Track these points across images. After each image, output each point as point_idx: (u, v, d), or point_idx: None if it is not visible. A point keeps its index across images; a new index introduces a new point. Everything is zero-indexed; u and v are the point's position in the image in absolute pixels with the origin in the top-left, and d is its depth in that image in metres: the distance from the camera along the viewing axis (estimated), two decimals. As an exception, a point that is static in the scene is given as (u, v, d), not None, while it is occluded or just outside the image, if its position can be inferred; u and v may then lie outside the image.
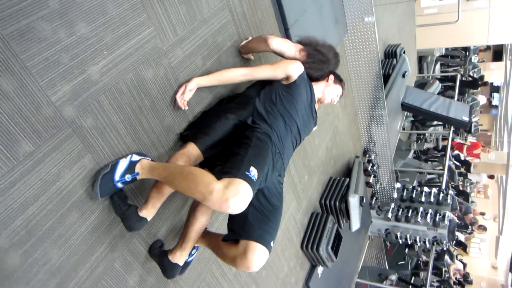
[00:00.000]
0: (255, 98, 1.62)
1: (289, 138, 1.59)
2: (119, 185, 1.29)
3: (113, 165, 1.29)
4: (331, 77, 1.83)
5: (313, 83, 1.78)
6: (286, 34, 2.32)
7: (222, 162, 1.40)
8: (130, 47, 1.36)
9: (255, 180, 1.22)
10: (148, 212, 1.34)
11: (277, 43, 1.75)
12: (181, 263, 1.46)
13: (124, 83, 1.35)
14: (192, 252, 1.59)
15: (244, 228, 1.33)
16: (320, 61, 1.78)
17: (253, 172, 1.23)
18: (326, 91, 1.81)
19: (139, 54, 1.40)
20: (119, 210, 1.30)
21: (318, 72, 1.79)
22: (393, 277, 4.97)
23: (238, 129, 1.54)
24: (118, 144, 1.36)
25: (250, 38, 2.00)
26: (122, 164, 1.30)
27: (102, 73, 1.27)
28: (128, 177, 1.29)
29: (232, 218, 1.41)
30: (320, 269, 3.14)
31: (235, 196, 1.13)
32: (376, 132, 4.24)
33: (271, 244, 1.35)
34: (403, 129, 5.60)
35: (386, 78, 4.43)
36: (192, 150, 1.48)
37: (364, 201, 3.32)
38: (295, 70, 1.63)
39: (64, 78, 1.15)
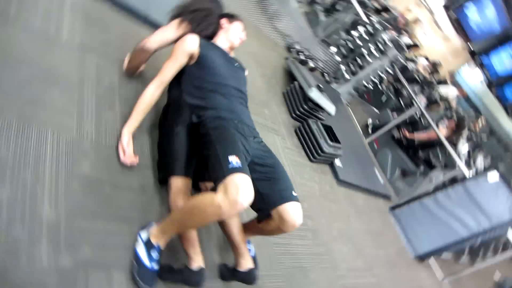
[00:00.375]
0: (181, 95, 1.59)
1: (235, 102, 1.59)
2: (155, 266, 1.31)
3: (136, 258, 1.30)
4: (223, 21, 1.78)
5: (214, 38, 1.75)
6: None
7: (206, 168, 1.44)
8: (51, 163, 1.30)
9: (241, 165, 1.25)
10: (197, 261, 1.36)
11: (154, 41, 1.68)
12: (252, 265, 1.52)
13: (76, 191, 1.31)
14: (250, 248, 1.67)
15: (265, 201, 1.41)
16: (204, 17, 1.72)
17: (233, 159, 1.26)
18: (229, 37, 1.77)
19: (65, 159, 1.34)
20: (176, 280, 1.34)
21: (210, 27, 1.75)
22: (390, 114, 5.33)
23: (193, 133, 1.54)
24: (122, 239, 1.35)
25: (127, 57, 1.92)
26: (141, 249, 1.31)
27: (52, 202, 1.23)
28: (154, 255, 1.31)
29: None
30: (337, 162, 3.35)
31: (238, 192, 1.16)
32: (282, 26, 4.26)
33: (293, 193, 1.44)
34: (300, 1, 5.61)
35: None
36: (177, 182, 1.48)
37: (321, 85, 3.44)
38: (190, 44, 1.58)
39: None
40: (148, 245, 1.33)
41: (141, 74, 1.96)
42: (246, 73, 1.85)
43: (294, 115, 3.35)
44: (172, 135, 1.54)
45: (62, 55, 1.64)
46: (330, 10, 7.39)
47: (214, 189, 1.23)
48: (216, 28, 1.77)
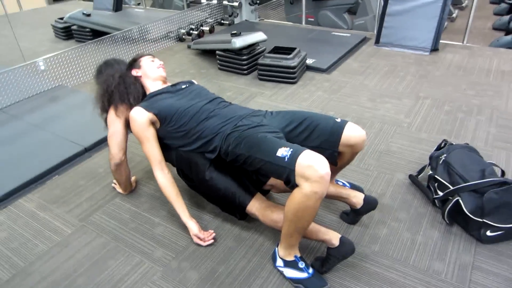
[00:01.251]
0: (181, 153, 1.56)
1: (220, 111, 1.52)
2: (310, 270, 1.33)
3: (295, 281, 1.33)
4: (133, 73, 1.67)
5: (146, 90, 1.66)
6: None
7: (256, 173, 1.51)
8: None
9: (290, 149, 1.19)
10: (333, 237, 1.33)
11: (115, 150, 1.63)
12: (361, 195, 1.49)
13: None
14: (345, 183, 1.70)
15: (327, 149, 1.41)
16: (123, 86, 1.62)
17: (281, 152, 1.20)
18: (151, 76, 1.66)
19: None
20: (334, 262, 1.35)
21: (135, 87, 1.64)
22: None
23: (221, 163, 1.49)
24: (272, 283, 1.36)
25: (114, 182, 1.89)
26: (290, 272, 1.34)
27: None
28: (302, 265, 1.34)
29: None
30: (309, 61, 3.29)
31: (315, 169, 1.10)
32: (154, 36, 4.08)
33: (337, 120, 1.44)
34: None
35: None
36: (254, 206, 1.45)
37: (233, 31, 3.32)
38: (141, 117, 1.50)
39: None
40: (290, 264, 1.34)
41: (136, 183, 1.91)
42: (196, 82, 1.78)
43: (246, 72, 3.26)
44: (211, 183, 1.50)
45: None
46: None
47: (287, 183, 1.19)
48: (138, 82, 1.67)
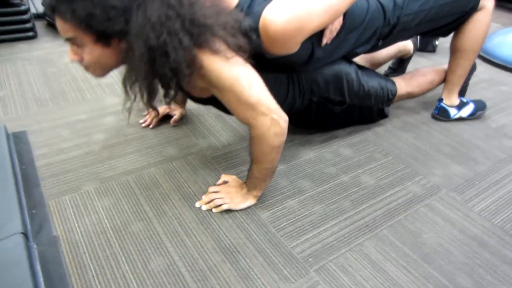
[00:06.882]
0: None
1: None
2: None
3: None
4: None
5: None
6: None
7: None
8: None
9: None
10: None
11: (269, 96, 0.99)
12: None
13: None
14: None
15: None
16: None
17: None
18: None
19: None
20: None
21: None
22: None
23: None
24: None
25: None
26: (466, 110, 1.58)
27: None
28: (466, 100, 1.58)
29: None
30: None
31: None
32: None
33: None
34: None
35: None
36: (397, 80, 1.50)
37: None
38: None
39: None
40: (460, 105, 1.57)
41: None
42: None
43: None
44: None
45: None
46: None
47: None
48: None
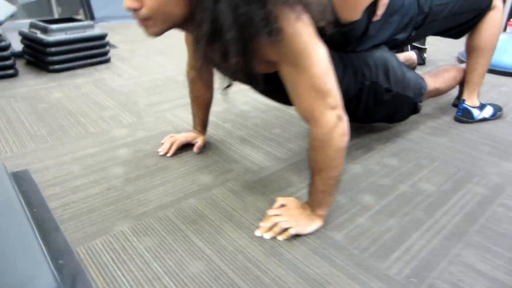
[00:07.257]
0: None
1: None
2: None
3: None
4: None
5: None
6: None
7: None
8: None
9: None
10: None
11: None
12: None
13: None
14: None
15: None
16: None
17: None
18: None
19: None
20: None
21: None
22: None
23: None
24: None
25: None
26: (487, 111, 1.59)
27: None
28: (484, 103, 1.60)
29: None
30: None
31: None
32: None
33: None
34: None
35: None
36: (425, 75, 1.52)
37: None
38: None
39: None
40: (481, 107, 1.57)
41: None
42: None
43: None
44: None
45: None
46: None
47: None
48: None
